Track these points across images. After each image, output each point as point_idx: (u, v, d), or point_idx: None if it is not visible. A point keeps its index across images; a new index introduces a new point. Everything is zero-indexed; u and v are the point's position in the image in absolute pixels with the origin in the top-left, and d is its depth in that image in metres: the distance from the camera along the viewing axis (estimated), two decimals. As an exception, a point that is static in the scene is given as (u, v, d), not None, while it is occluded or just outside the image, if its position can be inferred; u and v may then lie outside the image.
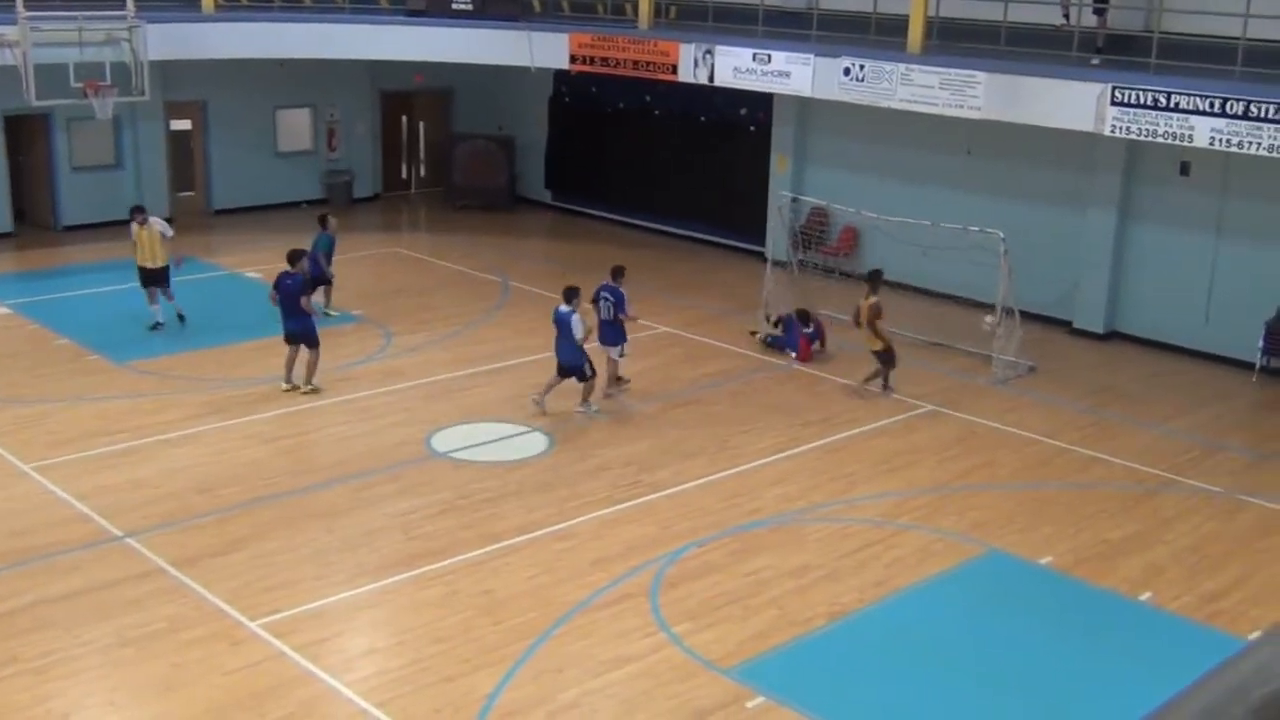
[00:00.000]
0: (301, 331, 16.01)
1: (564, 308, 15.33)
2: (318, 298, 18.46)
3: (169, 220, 20.94)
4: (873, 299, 16.42)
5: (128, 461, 13.95)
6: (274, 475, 13.70)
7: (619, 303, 15.89)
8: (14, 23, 20.09)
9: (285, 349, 16.23)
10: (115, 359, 17.35)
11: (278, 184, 27.65)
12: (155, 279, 18.20)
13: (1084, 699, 9.65)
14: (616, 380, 16.21)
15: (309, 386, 16.20)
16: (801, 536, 12.43)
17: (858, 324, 16.62)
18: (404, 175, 29.89)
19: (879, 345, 16.33)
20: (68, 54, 20.02)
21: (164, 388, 16.38)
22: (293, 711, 9.34)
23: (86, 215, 24.39)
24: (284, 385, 16.23)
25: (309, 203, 27.38)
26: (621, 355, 16.19)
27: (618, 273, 16.16)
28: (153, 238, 18.10)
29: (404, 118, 29.54)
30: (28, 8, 19.83)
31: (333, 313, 19.11)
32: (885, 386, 16.62)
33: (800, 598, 11.16)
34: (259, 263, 22.11)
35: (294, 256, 16.39)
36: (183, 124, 26.32)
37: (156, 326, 18.05)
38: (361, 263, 22.12)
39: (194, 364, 17.23)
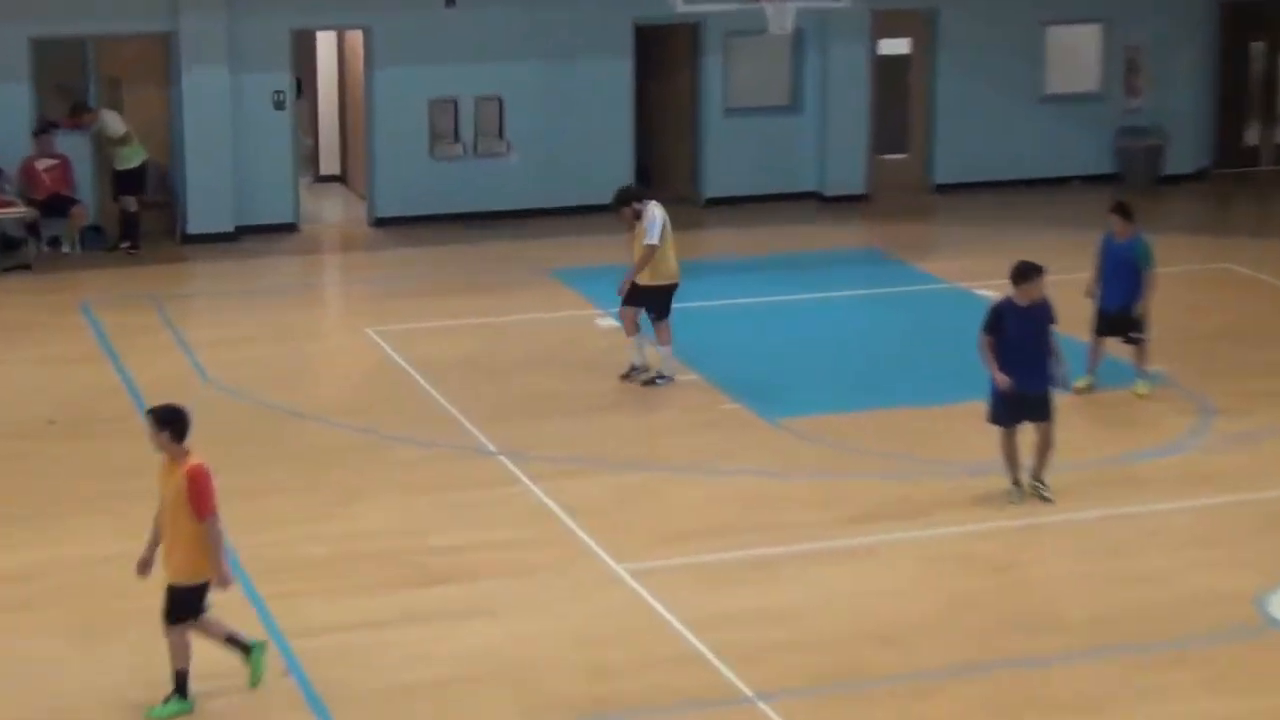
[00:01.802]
0: (1035, 395, 15.91)
1: None
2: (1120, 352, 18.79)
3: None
4: None
5: (762, 577, 14.49)
6: (989, 627, 13.68)
7: None
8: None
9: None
10: (761, 410, 18.38)
11: (1046, 147, 28.07)
12: (632, 298, 19.04)
13: None
14: None
15: (1038, 487, 16.19)
16: None
17: None
18: (1249, 141, 29.55)
19: None
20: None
21: (823, 464, 17.05)
22: None
23: (735, 186, 26.60)
24: (1015, 488, 16.18)
25: (1083, 179, 27.59)
26: None
27: None
28: (634, 238, 18.95)
29: (1255, 44, 29.08)
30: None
31: (1140, 389, 18.91)
32: None
33: None
34: (996, 275, 20.61)
35: (1023, 272, 16.01)
36: (897, 46, 27.46)
37: (639, 376, 19.09)
38: (1174, 283, 21.26)
39: (867, 428, 17.90)
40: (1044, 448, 16.24)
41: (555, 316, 22.20)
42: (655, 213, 18.81)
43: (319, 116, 29.46)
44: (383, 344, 21.01)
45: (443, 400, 18.94)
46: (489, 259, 25.00)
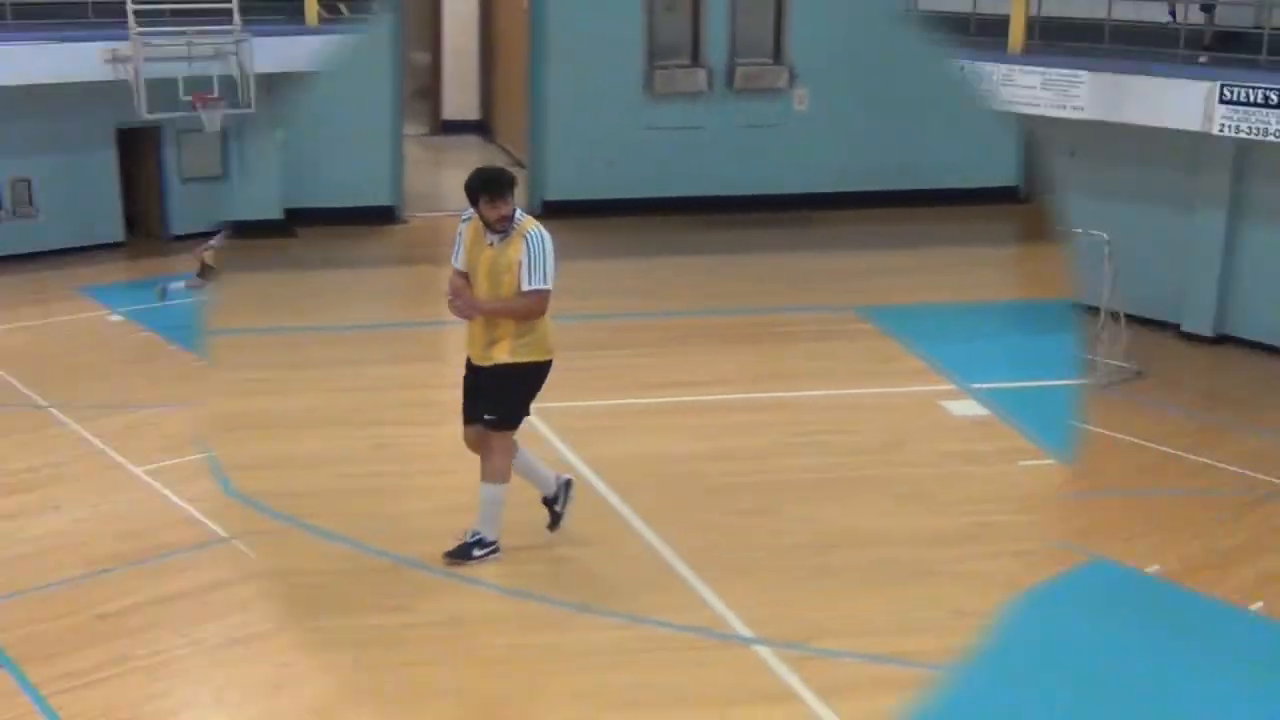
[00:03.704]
0: None
1: None
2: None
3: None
4: None
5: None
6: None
7: None
8: (127, 39, 24.56)
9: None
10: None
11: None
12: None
13: (1192, 709, 12.15)
14: None
15: None
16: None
17: None
18: None
19: None
20: (177, 68, 24.42)
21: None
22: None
23: (194, 224, 26.39)
24: None
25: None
26: None
27: None
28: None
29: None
30: (140, 24, 24.43)
31: None
32: None
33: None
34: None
35: None
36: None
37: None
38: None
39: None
40: None
41: (890, 393, 18.10)
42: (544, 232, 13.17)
43: (441, 18, 22.74)
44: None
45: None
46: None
